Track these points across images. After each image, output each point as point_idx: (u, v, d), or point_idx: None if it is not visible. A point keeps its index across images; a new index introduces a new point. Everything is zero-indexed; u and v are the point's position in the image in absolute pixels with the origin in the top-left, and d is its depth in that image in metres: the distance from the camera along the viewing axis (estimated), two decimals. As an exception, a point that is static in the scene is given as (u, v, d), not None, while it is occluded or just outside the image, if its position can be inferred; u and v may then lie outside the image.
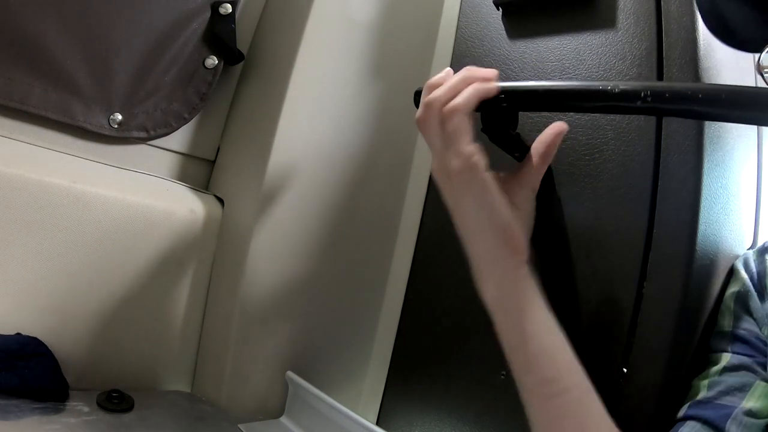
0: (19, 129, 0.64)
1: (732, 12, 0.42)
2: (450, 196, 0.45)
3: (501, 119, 0.47)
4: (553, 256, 0.54)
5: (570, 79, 0.58)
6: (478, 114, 0.46)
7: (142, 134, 0.72)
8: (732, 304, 0.48)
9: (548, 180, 0.55)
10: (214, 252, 0.73)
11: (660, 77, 0.52)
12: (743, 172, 0.55)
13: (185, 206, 0.71)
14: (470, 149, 0.42)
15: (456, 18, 0.74)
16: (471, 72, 0.45)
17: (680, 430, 0.42)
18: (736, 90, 0.34)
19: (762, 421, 0.41)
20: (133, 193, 0.66)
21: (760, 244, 0.55)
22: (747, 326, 0.46)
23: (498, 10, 0.68)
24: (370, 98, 0.75)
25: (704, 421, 0.42)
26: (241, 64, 0.80)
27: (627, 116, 0.53)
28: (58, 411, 0.54)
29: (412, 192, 0.77)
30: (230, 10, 0.75)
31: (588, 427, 0.40)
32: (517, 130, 0.49)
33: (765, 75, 0.41)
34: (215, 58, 0.75)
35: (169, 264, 0.69)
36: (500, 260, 0.43)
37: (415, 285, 0.69)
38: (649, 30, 0.54)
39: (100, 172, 0.67)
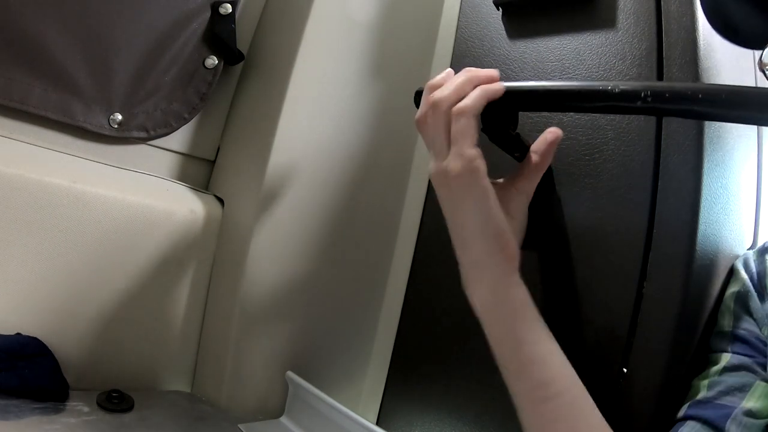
0: (19, 129, 0.64)
1: (735, 9, 0.42)
2: (447, 200, 0.44)
3: (501, 119, 0.47)
4: (553, 256, 0.54)
5: (570, 79, 0.58)
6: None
7: (142, 134, 0.72)
8: (732, 304, 0.48)
9: (548, 180, 0.55)
10: (214, 252, 0.73)
11: (660, 77, 0.52)
12: (743, 172, 0.55)
13: (185, 206, 0.71)
14: (473, 152, 0.42)
15: (456, 18, 0.74)
16: (474, 73, 0.44)
17: (680, 430, 0.42)
18: (736, 90, 0.35)
19: (762, 422, 0.41)
20: (133, 193, 0.66)
21: (760, 244, 0.55)
22: (747, 326, 0.46)
23: (498, 10, 0.68)
24: (370, 98, 0.75)
25: (704, 421, 0.42)
26: (241, 64, 0.80)
27: (627, 116, 0.53)
28: (58, 411, 0.54)
29: (412, 192, 0.77)
30: (230, 10, 0.75)
31: (581, 431, 0.40)
32: (517, 130, 0.49)
33: (767, 72, 0.41)
34: (215, 58, 0.75)
35: (169, 264, 0.69)
36: (494, 266, 0.43)
37: (415, 285, 0.69)
38: (649, 30, 0.53)
39: (100, 172, 0.67)
